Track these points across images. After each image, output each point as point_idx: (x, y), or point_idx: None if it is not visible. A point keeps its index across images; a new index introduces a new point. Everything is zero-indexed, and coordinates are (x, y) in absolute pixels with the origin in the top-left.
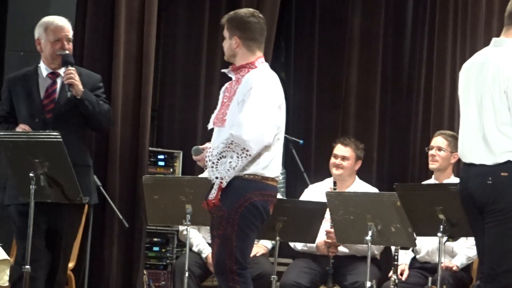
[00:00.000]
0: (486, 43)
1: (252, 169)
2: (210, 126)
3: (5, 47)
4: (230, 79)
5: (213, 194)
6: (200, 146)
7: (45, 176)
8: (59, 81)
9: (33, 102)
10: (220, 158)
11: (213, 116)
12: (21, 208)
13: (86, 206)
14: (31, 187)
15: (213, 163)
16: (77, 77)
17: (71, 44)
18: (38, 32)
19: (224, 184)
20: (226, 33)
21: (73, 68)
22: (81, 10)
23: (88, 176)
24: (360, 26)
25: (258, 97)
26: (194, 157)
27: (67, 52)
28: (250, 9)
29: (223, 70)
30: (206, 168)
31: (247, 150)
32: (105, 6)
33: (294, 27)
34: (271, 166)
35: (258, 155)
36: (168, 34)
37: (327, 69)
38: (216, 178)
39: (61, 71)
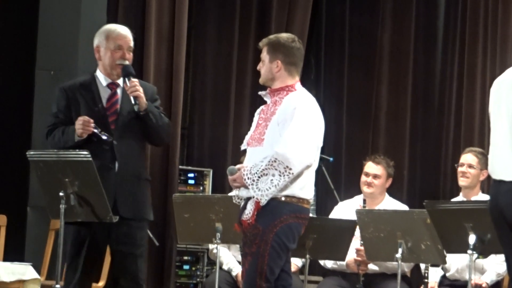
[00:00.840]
0: None
1: (289, 190)
2: (243, 146)
3: (35, 66)
4: (261, 98)
5: (248, 214)
6: (236, 166)
7: (75, 195)
8: (119, 91)
9: (97, 112)
10: (262, 176)
11: (247, 137)
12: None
13: None
14: (60, 206)
15: (253, 180)
16: (141, 89)
17: (131, 54)
18: (98, 39)
19: (264, 202)
20: (266, 57)
21: (136, 80)
22: None
23: (148, 190)
24: (390, 42)
25: (302, 118)
26: (229, 177)
27: (127, 62)
28: (291, 35)
29: (260, 93)
30: (238, 189)
31: (290, 169)
32: (135, 23)
33: (324, 43)
34: (307, 188)
35: (297, 175)
36: (197, 52)
37: (357, 86)
38: (253, 197)
39: (120, 81)
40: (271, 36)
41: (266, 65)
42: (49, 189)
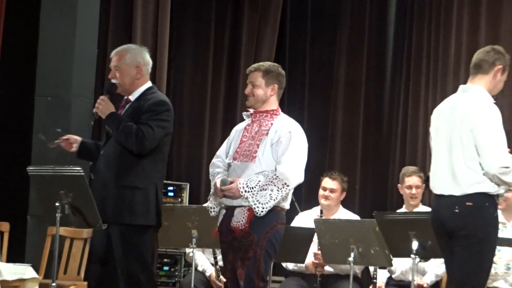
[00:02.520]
0: (454, 89)
1: (280, 198)
2: (228, 160)
3: (34, 93)
4: (232, 121)
5: (240, 222)
6: (229, 179)
7: (69, 206)
8: (127, 106)
9: None
10: (261, 190)
11: (231, 152)
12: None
13: None
14: (56, 215)
15: (253, 194)
16: (100, 106)
17: (118, 72)
18: None
19: (264, 213)
20: (260, 81)
21: (103, 97)
22: (101, 64)
23: (134, 197)
24: (345, 73)
25: (298, 142)
26: (222, 187)
27: (111, 81)
28: (277, 64)
29: (244, 113)
30: (225, 197)
31: (288, 185)
32: None
33: (288, 74)
34: (288, 200)
35: (285, 188)
36: (176, 80)
37: (316, 111)
38: (254, 205)
39: (130, 97)
40: (264, 63)
41: (263, 89)
42: (46, 200)
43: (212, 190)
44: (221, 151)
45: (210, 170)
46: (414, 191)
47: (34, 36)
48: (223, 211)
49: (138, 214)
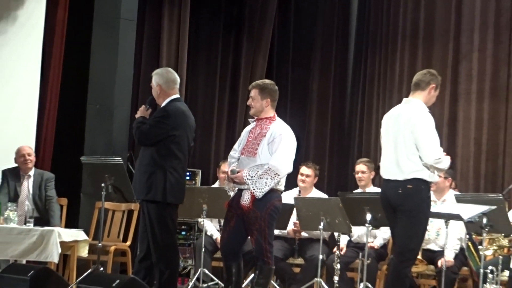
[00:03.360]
0: (399, 101)
1: (272, 185)
2: (237, 155)
3: (86, 102)
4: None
5: (247, 201)
6: (236, 169)
7: (111, 186)
8: None
9: None
10: (260, 178)
11: (239, 148)
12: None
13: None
14: (102, 193)
15: (253, 181)
16: (138, 113)
17: (153, 88)
18: None
19: (261, 196)
20: (257, 96)
21: (141, 107)
22: (135, 81)
23: (146, 180)
24: (317, 89)
25: (287, 141)
26: (231, 175)
27: (151, 96)
28: (272, 81)
29: (250, 120)
30: (234, 183)
31: (278, 175)
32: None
33: None
34: (282, 183)
35: (277, 176)
36: (192, 94)
37: (296, 119)
38: (252, 190)
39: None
40: (259, 82)
41: (259, 102)
42: (94, 182)
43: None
44: (236, 146)
45: (228, 159)
46: (360, 175)
47: (87, 61)
48: (235, 191)
49: (148, 191)
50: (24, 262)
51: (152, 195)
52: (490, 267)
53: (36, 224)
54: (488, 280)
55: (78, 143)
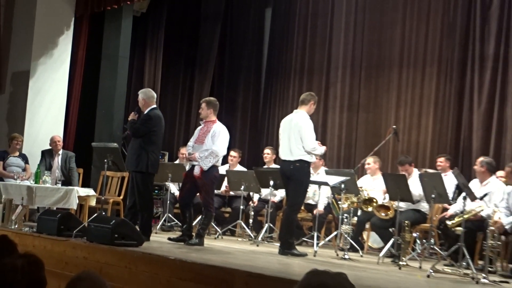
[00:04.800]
0: (291, 111)
1: (214, 162)
2: (191, 143)
3: (96, 108)
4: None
5: (197, 172)
6: (191, 152)
7: (111, 161)
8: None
9: None
10: (206, 158)
11: (193, 139)
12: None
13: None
14: (105, 165)
15: (202, 160)
16: (130, 116)
17: (139, 101)
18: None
19: (206, 169)
20: (205, 107)
21: (132, 113)
22: (128, 96)
23: (136, 158)
24: (241, 102)
25: (224, 135)
26: (188, 156)
27: (137, 106)
28: (214, 98)
29: (200, 121)
30: (190, 161)
31: (218, 156)
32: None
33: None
34: (219, 161)
35: (216, 157)
36: (163, 105)
37: (228, 122)
38: (201, 165)
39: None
40: (206, 98)
41: (206, 111)
42: (100, 158)
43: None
44: (191, 140)
45: (186, 147)
46: (265, 155)
47: (97, 82)
48: (190, 166)
49: (137, 165)
50: (54, 208)
51: (139, 168)
52: (345, 215)
53: (62, 185)
54: (343, 222)
55: (91, 135)
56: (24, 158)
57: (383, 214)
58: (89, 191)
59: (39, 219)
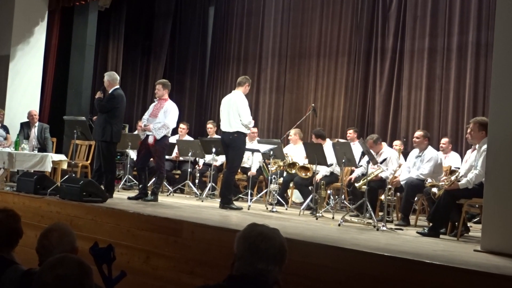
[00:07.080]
0: (230, 91)
1: (165, 133)
2: (146, 116)
3: (67, 88)
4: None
5: (151, 141)
6: (146, 124)
7: (79, 132)
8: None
9: None
10: (159, 129)
11: (148, 114)
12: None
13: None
14: (74, 135)
15: (156, 130)
16: (97, 95)
17: (105, 82)
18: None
19: (159, 138)
20: (160, 87)
21: (99, 92)
22: (94, 78)
23: (102, 128)
24: (189, 84)
25: (174, 111)
26: (144, 127)
27: (103, 86)
28: (167, 80)
29: (154, 99)
30: (144, 131)
31: (169, 128)
32: None
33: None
34: (170, 132)
35: (168, 129)
36: (125, 85)
37: (178, 99)
38: (154, 135)
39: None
40: (161, 80)
41: (161, 91)
42: (71, 129)
43: (141, 129)
44: (146, 113)
45: (142, 119)
46: (209, 129)
47: (67, 67)
48: (145, 135)
49: (103, 136)
50: (32, 171)
51: (104, 137)
52: (273, 176)
53: (38, 151)
54: (272, 182)
55: (63, 109)
56: (6, 129)
57: (303, 174)
58: (61, 157)
59: (18, 180)
